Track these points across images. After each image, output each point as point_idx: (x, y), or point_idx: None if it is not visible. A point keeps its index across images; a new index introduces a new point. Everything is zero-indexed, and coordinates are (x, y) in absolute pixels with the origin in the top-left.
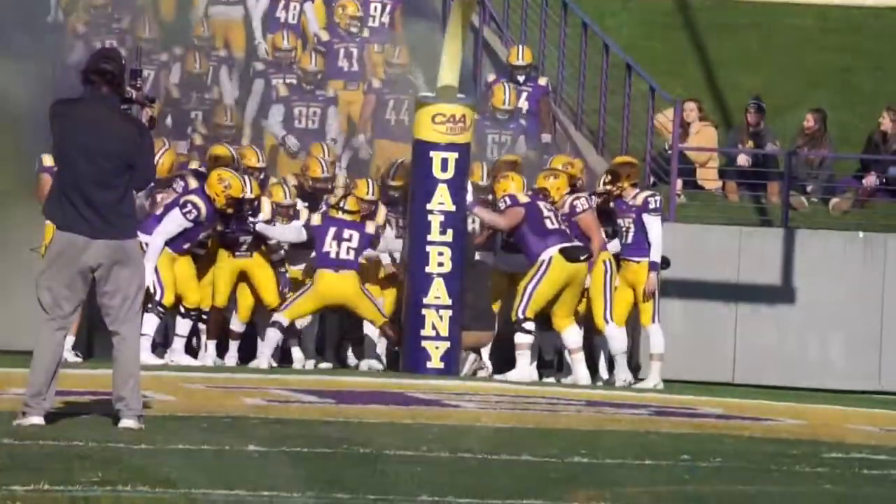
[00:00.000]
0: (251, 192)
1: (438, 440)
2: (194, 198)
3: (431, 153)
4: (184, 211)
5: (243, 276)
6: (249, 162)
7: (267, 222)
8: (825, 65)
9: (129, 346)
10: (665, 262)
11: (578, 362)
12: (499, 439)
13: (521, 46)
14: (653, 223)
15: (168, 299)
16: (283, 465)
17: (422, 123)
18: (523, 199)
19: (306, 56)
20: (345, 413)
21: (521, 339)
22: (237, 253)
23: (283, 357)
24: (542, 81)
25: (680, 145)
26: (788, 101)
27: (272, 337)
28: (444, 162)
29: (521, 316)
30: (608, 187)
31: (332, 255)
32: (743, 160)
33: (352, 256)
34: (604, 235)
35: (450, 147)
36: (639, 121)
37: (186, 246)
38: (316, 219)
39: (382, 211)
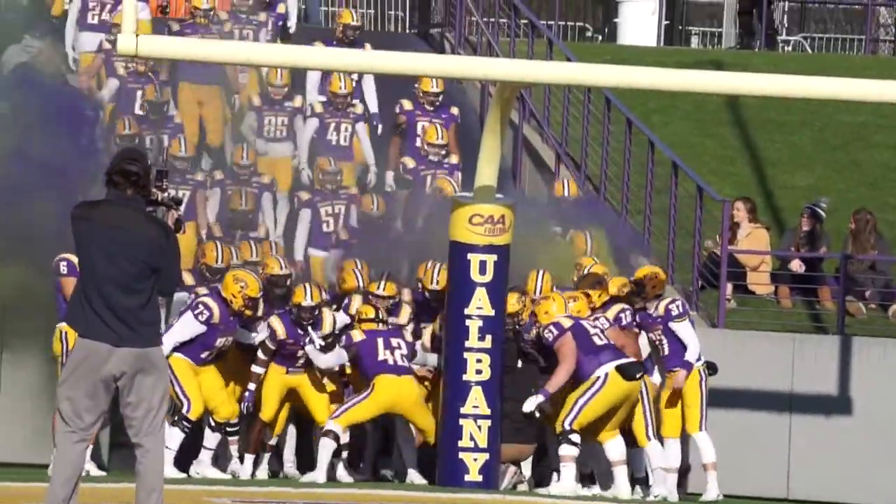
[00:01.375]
0: (311, 298)
1: None
2: (206, 299)
3: (469, 255)
4: (195, 313)
5: (291, 392)
6: (273, 270)
7: (325, 338)
8: (879, 163)
9: (153, 458)
10: (712, 368)
11: (621, 474)
12: None
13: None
14: (681, 328)
15: (195, 412)
16: None
17: (458, 224)
18: (566, 322)
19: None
20: None
21: (565, 451)
22: (290, 368)
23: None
24: (454, 111)
25: (729, 247)
26: (842, 202)
27: (328, 446)
28: (483, 264)
29: (567, 427)
30: (633, 298)
31: (391, 363)
32: (796, 265)
33: (407, 363)
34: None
35: (488, 249)
36: (686, 222)
37: (205, 355)
38: (357, 335)
39: (407, 311)
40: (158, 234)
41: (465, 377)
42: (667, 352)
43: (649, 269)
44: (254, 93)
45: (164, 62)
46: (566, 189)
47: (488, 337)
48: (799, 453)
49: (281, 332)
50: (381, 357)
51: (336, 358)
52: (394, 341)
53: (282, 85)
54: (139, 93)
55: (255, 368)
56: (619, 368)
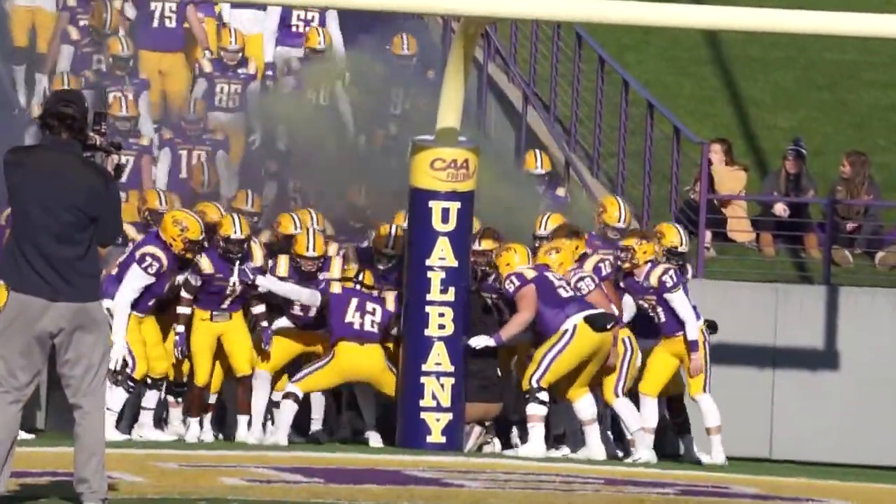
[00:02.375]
0: (240, 231)
1: None
2: (150, 248)
3: (431, 203)
4: (143, 266)
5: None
6: (227, 231)
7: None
8: (868, 103)
9: (93, 421)
10: (713, 327)
11: (593, 434)
12: None
13: None
14: (676, 300)
15: (140, 371)
16: None
17: (419, 169)
18: (529, 273)
19: None
20: (335, 494)
21: (533, 410)
22: (215, 314)
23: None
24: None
25: (709, 194)
26: (829, 144)
27: (288, 410)
28: (445, 212)
29: (535, 385)
30: (626, 265)
31: (356, 327)
32: (780, 210)
33: (376, 330)
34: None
35: (451, 196)
36: (662, 165)
37: (152, 303)
38: (336, 287)
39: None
40: (97, 181)
41: (426, 332)
42: (663, 319)
43: (640, 231)
44: (204, 59)
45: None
46: (538, 162)
47: (451, 289)
48: (783, 410)
49: (207, 266)
50: (348, 319)
51: (308, 295)
52: (369, 306)
53: (235, 50)
54: (95, 57)
55: (181, 309)
56: (588, 319)
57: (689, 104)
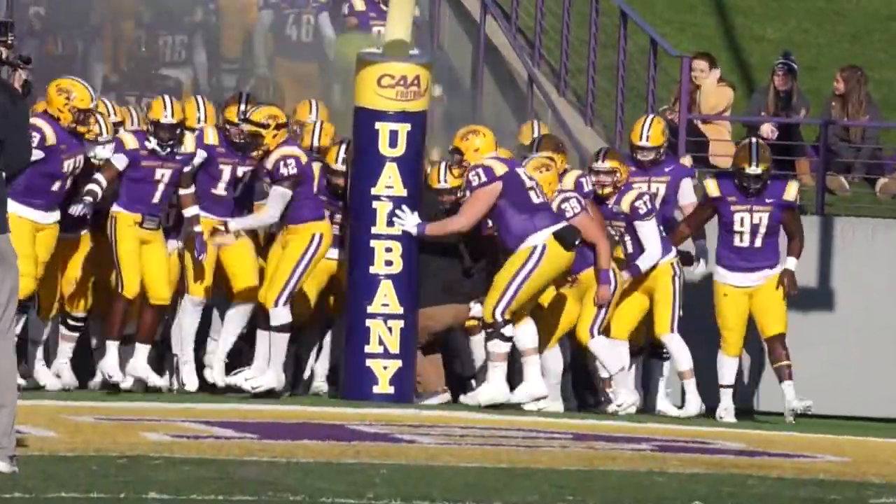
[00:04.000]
0: (171, 114)
1: (388, 484)
2: (36, 120)
3: (377, 124)
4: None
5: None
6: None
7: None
8: (867, 12)
9: (1, 367)
10: (687, 259)
11: (532, 367)
12: (464, 482)
13: None
14: (645, 227)
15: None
16: None
17: (365, 87)
18: (499, 168)
19: None
20: (270, 450)
21: (497, 347)
22: (146, 216)
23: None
24: None
25: (689, 114)
26: (823, 58)
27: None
28: (394, 135)
29: (499, 318)
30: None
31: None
32: (767, 131)
33: None
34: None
35: (400, 117)
36: (637, 82)
37: (56, 188)
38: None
39: None
40: (3, 100)
41: (371, 269)
42: (630, 250)
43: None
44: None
45: None
46: (537, 132)
47: None
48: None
49: (131, 141)
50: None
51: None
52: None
53: None
54: None
55: (91, 186)
56: (557, 235)
57: (667, 13)
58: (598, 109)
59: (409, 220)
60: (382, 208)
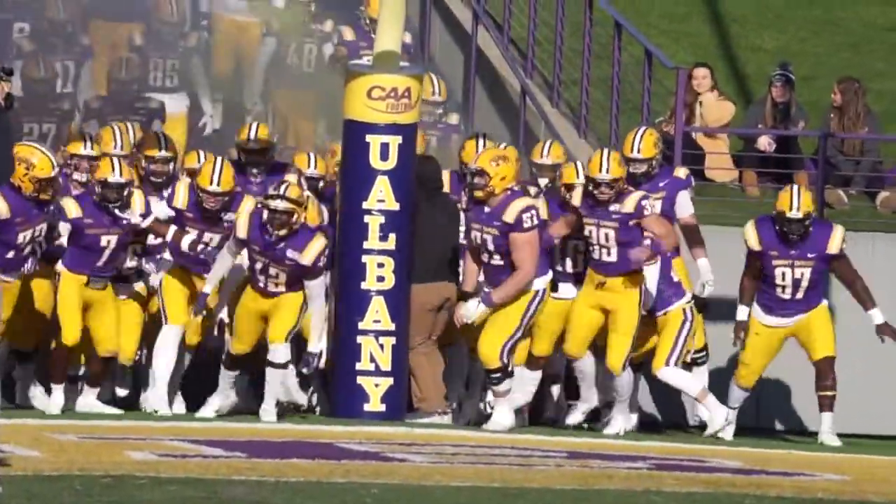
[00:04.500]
0: (120, 174)
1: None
2: None
3: (368, 137)
4: None
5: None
6: (105, 174)
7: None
8: (865, 22)
9: None
10: (700, 305)
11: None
12: (456, 502)
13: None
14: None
15: None
16: None
17: (354, 99)
18: (543, 211)
19: None
20: (258, 469)
21: (502, 386)
22: (91, 276)
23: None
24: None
25: (686, 126)
26: (821, 68)
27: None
28: (385, 148)
29: (506, 361)
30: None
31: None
32: (765, 144)
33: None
34: None
35: (392, 129)
36: (632, 94)
37: (11, 255)
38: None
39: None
40: None
41: (363, 285)
42: (613, 258)
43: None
44: (136, 29)
45: None
46: (545, 154)
47: (392, 236)
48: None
49: (74, 209)
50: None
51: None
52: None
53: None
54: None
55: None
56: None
57: (662, 23)
58: (592, 122)
59: (472, 307)
60: (374, 222)
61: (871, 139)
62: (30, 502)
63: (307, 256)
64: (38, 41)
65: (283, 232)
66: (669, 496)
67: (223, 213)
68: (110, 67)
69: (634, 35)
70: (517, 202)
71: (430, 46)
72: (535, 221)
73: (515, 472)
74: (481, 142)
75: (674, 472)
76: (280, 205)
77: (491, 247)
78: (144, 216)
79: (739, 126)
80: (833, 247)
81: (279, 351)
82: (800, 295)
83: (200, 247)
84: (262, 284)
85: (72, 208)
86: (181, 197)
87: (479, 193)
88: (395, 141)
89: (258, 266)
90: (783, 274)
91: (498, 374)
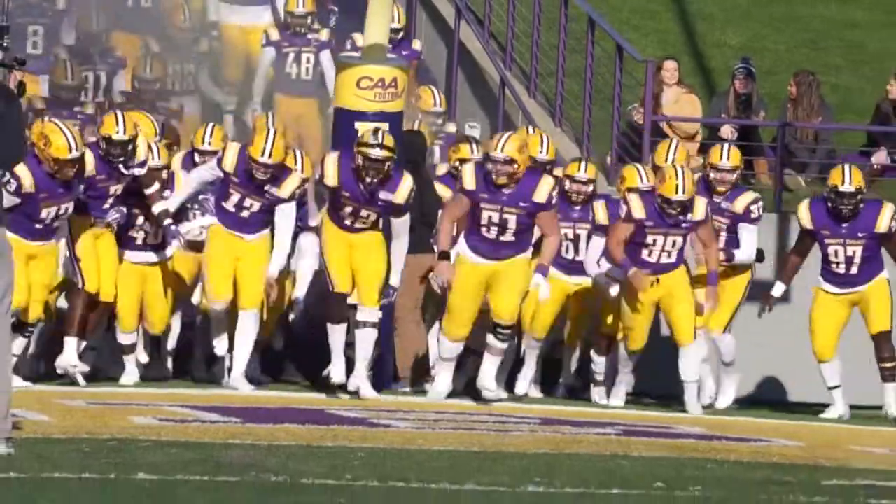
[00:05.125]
0: (124, 131)
1: (366, 466)
2: (20, 166)
3: (357, 124)
4: (3, 181)
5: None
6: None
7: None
8: (824, 19)
9: None
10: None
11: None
12: (438, 465)
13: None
14: (751, 232)
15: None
16: (180, 498)
17: (344, 88)
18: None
19: None
20: (254, 434)
21: (500, 343)
22: (97, 218)
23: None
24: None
25: (654, 116)
26: (781, 63)
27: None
28: None
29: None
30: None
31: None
32: (727, 132)
33: None
34: None
35: (379, 116)
36: (604, 85)
37: (39, 227)
38: None
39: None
40: None
41: None
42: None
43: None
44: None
45: None
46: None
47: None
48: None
49: (89, 166)
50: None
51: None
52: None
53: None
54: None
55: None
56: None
57: (633, 19)
58: (567, 111)
59: (541, 283)
60: None
61: (824, 129)
62: (40, 463)
63: (400, 195)
64: (73, 50)
65: (378, 178)
66: (637, 460)
67: (270, 184)
68: (134, 66)
69: (607, 30)
70: (543, 182)
71: (416, 38)
72: (556, 196)
73: (492, 437)
74: (474, 146)
75: (641, 437)
76: (378, 153)
77: (513, 226)
78: (142, 164)
79: (703, 115)
80: (882, 226)
81: (373, 311)
82: (854, 270)
83: (244, 212)
84: (348, 223)
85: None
86: (230, 160)
87: (505, 180)
88: (382, 127)
89: (348, 210)
90: (836, 252)
91: (507, 332)
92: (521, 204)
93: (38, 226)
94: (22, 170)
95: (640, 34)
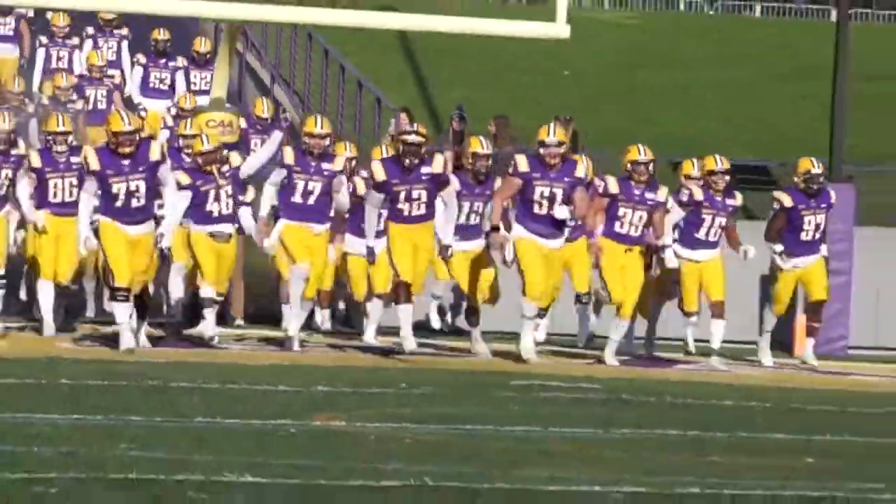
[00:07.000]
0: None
1: (213, 375)
2: (86, 146)
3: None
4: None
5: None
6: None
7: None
8: (521, 83)
9: None
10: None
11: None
12: (260, 374)
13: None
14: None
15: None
16: (87, 395)
17: (199, 127)
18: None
19: None
20: (141, 354)
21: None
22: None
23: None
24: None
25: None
26: (487, 110)
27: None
28: None
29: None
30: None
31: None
32: (448, 158)
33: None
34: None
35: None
36: (369, 125)
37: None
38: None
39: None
40: None
41: None
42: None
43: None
44: None
45: None
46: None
47: None
48: None
49: (94, 163)
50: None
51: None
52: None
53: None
54: None
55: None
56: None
57: (387, 82)
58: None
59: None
60: None
61: (511, 153)
62: None
63: (437, 166)
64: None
65: (418, 158)
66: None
67: (323, 160)
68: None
69: (369, 88)
70: (580, 163)
71: (244, 94)
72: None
73: (299, 356)
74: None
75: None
76: (415, 138)
77: (560, 199)
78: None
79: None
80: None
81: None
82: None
83: (310, 199)
84: (407, 213)
85: (92, 160)
86: (290, 154)
87: (556, 161)
88: None
89: (402, 196)
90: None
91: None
92: (566, 179)
93: (117, 203)
94: (88, 149)
95: (395, 91)
